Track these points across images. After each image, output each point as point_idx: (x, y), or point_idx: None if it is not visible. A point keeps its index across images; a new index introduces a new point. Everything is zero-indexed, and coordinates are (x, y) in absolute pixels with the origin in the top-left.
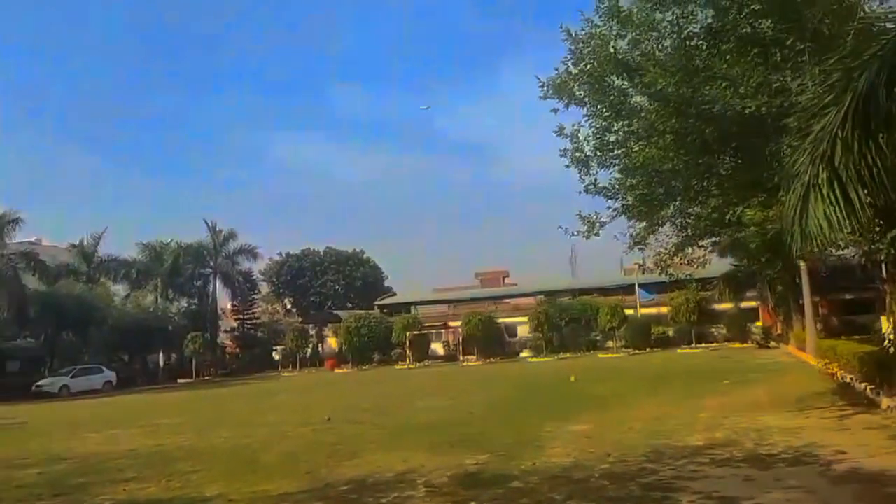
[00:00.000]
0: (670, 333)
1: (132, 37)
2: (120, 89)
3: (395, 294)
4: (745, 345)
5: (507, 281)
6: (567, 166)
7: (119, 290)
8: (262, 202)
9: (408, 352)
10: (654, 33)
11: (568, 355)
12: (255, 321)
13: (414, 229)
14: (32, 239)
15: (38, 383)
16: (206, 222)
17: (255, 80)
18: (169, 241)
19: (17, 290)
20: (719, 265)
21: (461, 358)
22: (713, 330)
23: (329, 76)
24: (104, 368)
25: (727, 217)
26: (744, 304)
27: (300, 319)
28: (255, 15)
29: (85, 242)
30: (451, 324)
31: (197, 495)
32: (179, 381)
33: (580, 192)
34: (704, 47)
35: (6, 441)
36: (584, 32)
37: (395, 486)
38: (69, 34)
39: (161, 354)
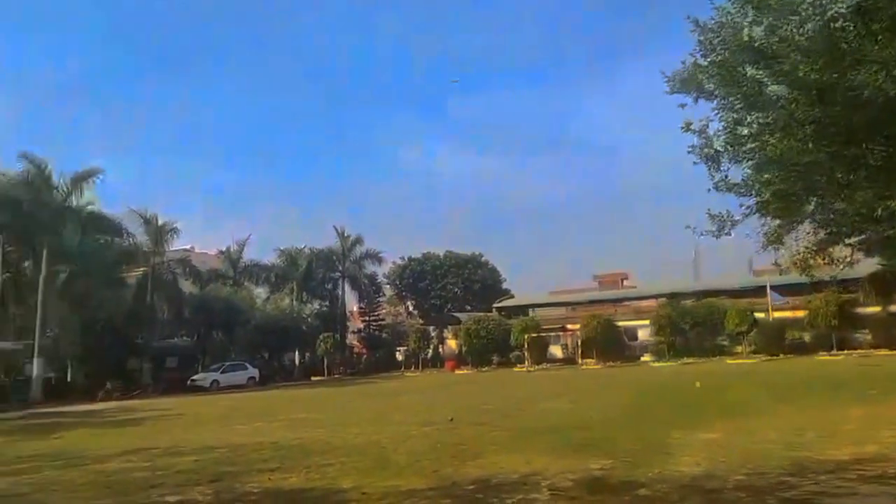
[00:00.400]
0: (807, 339)
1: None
2: (250, 104)
3: (513, 296)
4: (894, 352)
5: (626, 283)
6: (695, 163)
7: (260, 292)
8: (385, 207)
9: (526, 354)
10: (794, 17)
11: (692, 360)
12: (379, 322)
13: (532, 231)
14: (187, 246)
15: (193, 378)
16: (335, 228)
17: (379, 86)
18: (303, 247)
19: (175, 294)
20: (865, 265)
21: (580, 361)
22: (857, 335)
23: (447, 79)
24: (248, 365)
25: (877, 212)
26: (894, 308)
27: (421, 321)
28: (372, 22)
29: (231, 249)
30: (570, 326)
31: (334, 487)
32: (313, 378)
33: (709, 190)
34: (852, 28)
35: (168, 430)
36: (713, 21)
37: (519, 487)
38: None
39: (297, 353)
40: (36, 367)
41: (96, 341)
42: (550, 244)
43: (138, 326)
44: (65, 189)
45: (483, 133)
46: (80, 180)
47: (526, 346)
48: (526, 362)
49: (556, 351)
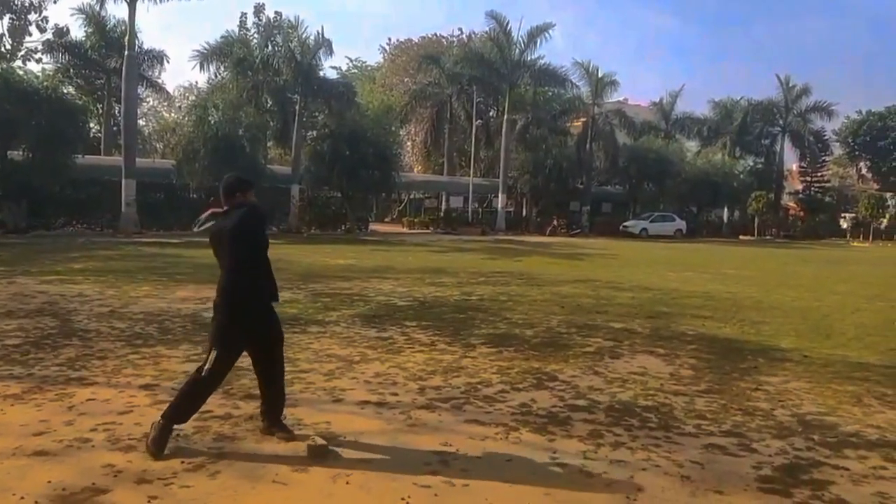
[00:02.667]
0: None
1: None
2: None
3: None
4: None
5: None
6: None
7: (691, 146)
8: (843, 56)
9: None
10: None
11: None
12: (823, 184)
13: None
14: (621, 98)
15: (624, 224)
16: (778, 77)
17: None
18: (739, 98)
19: (610, 144)
20: None
21: None
22: None
23: None
24: (676, 217)
25: None
26: None
27: (876, 186)
28: None
29: (664, 101)
30: None
31: (771, 344)
32: (740, 237)
33: None
34: None
35: (606, 267)
36: None
37: None
38: None
39: (725, 210)
40: (500, 202)
41: (544, 183)
42: None
43: (579, 172)
44: (521, 44)
45: None
46: (534, 35)
47: None
48: None
49: None
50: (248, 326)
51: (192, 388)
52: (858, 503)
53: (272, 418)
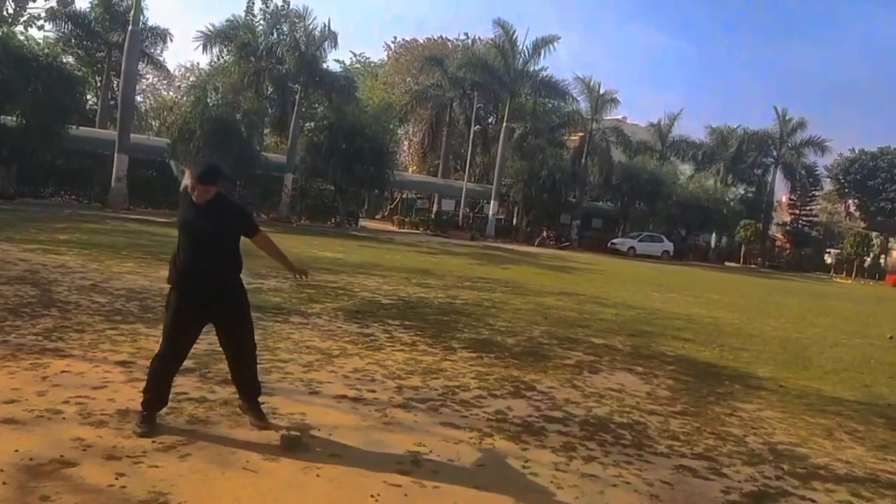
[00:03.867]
0: None
1: None
2: None
3: None
4: None
5: None
6: None
7: (685, 169)
8: (837, 91)
9: None
10: None
11: None
12: (811, 218)
13: None
14: (619, 117)
15: (613, 241)
16: (775, 110)
17: None
18: (735, 126)
19: (606, 160)
20: None
21: None
22: None
23: None
24: (664, 238)
25: None
26: None
27: (863, 225)
28: None
29: (661, 123)
30: None
31: (749, 371)
32: (726, 263)
33: None
34: None
35: (591, 282)
36: None
37: None
38: None
39: (713, 235)
40: (492, 208)
41: (537, 193)
42: None
43: (572, 186)
44: (526, 54)
45: None
46: (539, 47)
47: None
48: None
49: None
50: (192, 302)
51: (151, 367)
52: None
53: (249, 401)
